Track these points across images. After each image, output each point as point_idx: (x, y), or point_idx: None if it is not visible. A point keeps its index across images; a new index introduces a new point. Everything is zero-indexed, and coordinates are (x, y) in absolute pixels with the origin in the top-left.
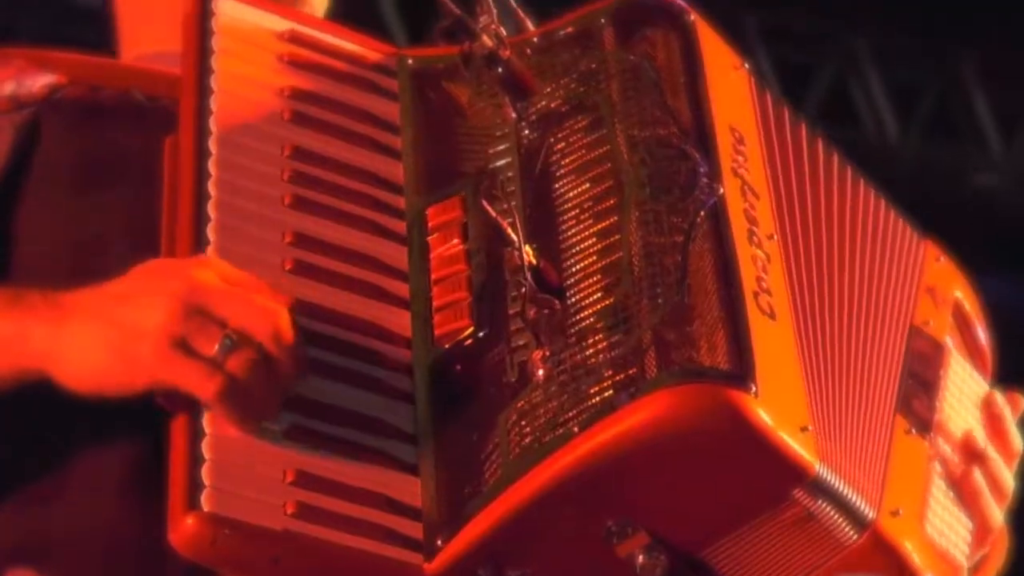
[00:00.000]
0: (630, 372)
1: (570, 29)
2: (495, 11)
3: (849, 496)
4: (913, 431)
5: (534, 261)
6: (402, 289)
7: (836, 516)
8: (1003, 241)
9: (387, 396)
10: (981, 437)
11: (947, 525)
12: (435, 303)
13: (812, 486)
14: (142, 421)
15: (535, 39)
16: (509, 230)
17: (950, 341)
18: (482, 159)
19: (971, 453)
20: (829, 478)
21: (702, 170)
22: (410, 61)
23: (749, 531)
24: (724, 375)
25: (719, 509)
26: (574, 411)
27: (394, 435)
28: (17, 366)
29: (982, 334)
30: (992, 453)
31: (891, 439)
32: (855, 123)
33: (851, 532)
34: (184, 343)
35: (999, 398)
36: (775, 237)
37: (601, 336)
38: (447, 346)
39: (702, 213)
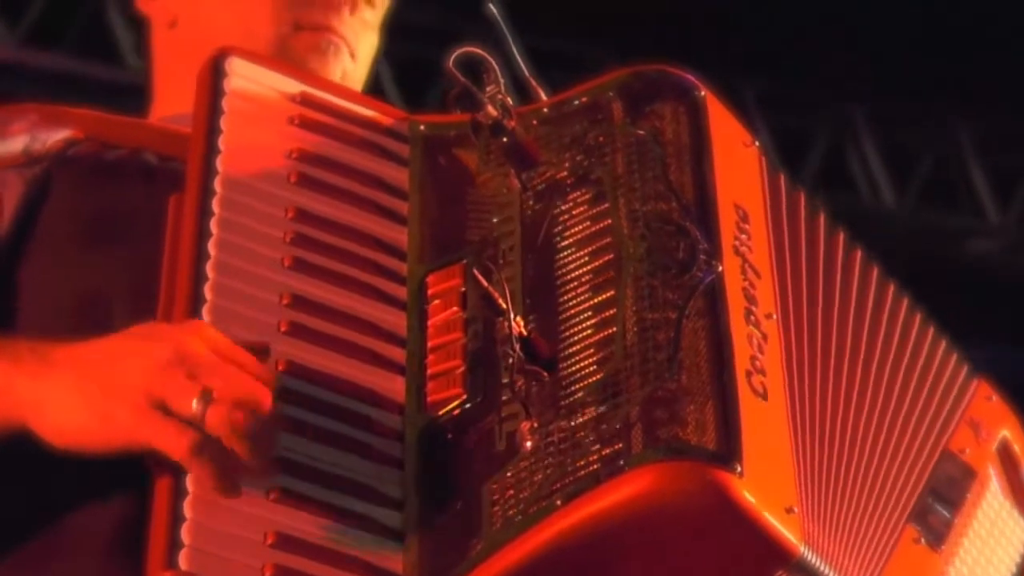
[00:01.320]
0: (616, 447)
1: (580, 101)
2: (503, 81)
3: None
4: (922, 541)
5: (524, 332)
6: (398, 355)
7: None
8: (998, 308)
9: (376, 462)
10: None
11: None
12: (429, 370)
13: (796, 568)
14: (133, 480)
15: (545, 109)
16: (499, 299)
17: (992, 474)
18: (486, 228)
19: None
20: (814, 561)
21: (701, 247)
22: (422, 127)
23: None
24: (710, 454)
25: None
26: (559, 484)
27: (381, 501)
28: (2, 417)
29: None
30: None
31: (896, 543)
32: (851, 189)
33: None
34: (162, 404)
35: None
36: (774, 316)
37: (590, 410)
38: (438, 414)
39: (698, 290)
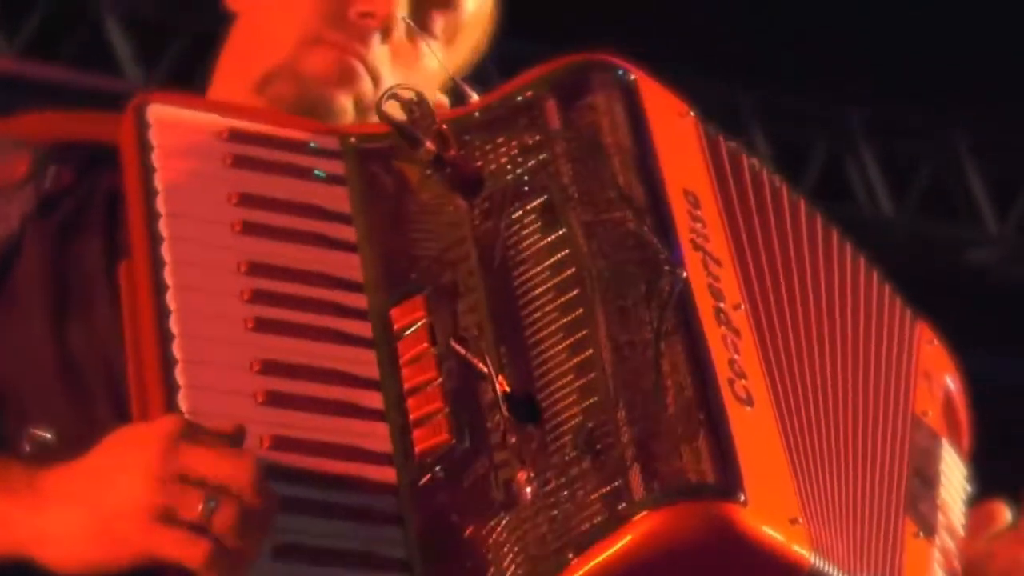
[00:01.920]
0: (617, 492)
1: (512, 101)
2: (426, 103)
3: None
4: (921, 535)
5: (507, 390)
6: (375, 399)
7: None
8: (997, 316)
9: (376, 523)
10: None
11: None
12: (412, 415)
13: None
14: None
15: (476, 113)
16: (480, 366)
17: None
18: (438, 243)
19: None
20: (826, 568)
21: (663, 256)
22: (352, 139)
23: None
24: (712, 490)
25: None
26: (566, 536)
27: (387, 566)
28: (3, 551)
29: (964, 417)
30: None
31: (903, 542)
32: (850, 199)
33: None
34: (167, 513)
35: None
36: (742, 306)
37: (583, 452)
38: (429, 463)
39: (668, 305)
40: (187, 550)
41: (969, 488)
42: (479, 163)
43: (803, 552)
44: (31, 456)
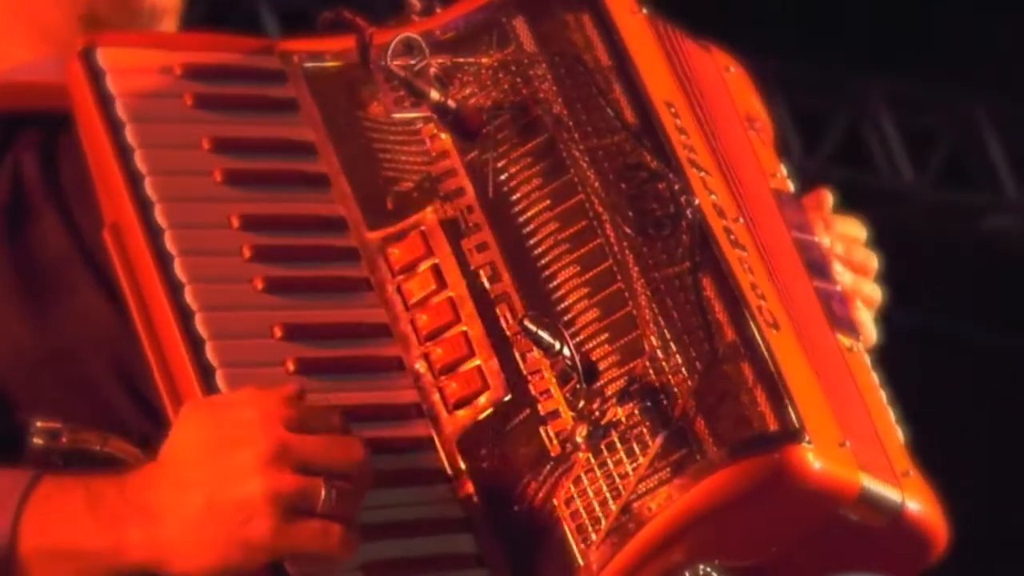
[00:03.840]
0: (686, 447)
1: (475, 18)
2: (426, 50)
3: (882, 493)
4: (856, 347)
5: (580, 369)
6: (393, 349)
7: (873, 513)
8: (1016, 284)
9: (423, 483)
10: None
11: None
12: (437, 364)
13: (859, 500)
14: None
15: (438, 32)
16: (562, 346)
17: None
18: (419, 167)
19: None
20: (870, 486)
21: (675, 186)
22: (295, 58)
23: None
24: (777, 438)
25: (784, 539)
26: (636, 493)
27: (446, 527)
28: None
29: (762, 111)
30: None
31: (852, 374)
32: (870, 168)
33: (883, 521)
34: (292, 507)
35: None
36: (740, 220)
37: (638, 403)
38: (466, 414)
39: (693, 238)
40: (323, 540)
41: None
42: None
43: (855, 478)
44: (41, 450)
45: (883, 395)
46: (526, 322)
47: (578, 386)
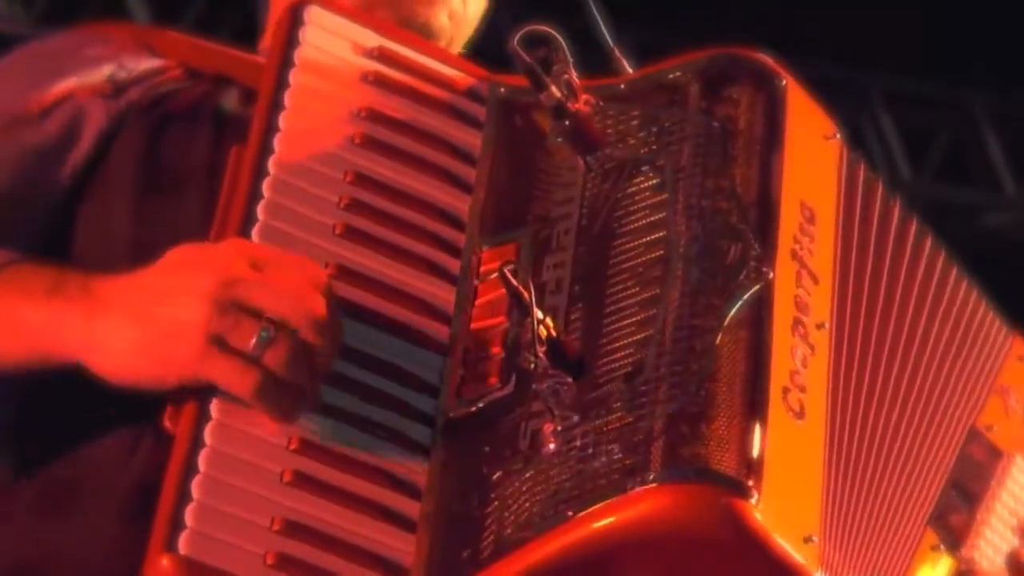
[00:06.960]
0: (636, 460)
1: (658, 80)
2: (571, 60)
3: None
4: (942, 547)
5: (553, 333)
6: (443, 332)
7: None
8: (1015, 281)
9: (402, 447)
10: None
11: None
12: (469, 356)
13: None
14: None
15: (621, 86)
16: (526, 297)
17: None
18: (549, 203)
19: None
20: None
21: (753, 252)
22: (502, 89)
23: None
24: (727, 480)
25: None
26: (575, 493)
27: (401, 489)
28: (45, 353)
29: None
30: None
31: (914, 554)
32: (868, 164)
33: None
34: (221, 340)
35: None
36: (826, 326)
37: (615, 417)
38: (469, 401)
39: (744, 298)
40: (235, 378)
41: None
42: (609, 129)
43: (809, 569)
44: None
45: None
46: (505, 271)
47: (556, 376)
